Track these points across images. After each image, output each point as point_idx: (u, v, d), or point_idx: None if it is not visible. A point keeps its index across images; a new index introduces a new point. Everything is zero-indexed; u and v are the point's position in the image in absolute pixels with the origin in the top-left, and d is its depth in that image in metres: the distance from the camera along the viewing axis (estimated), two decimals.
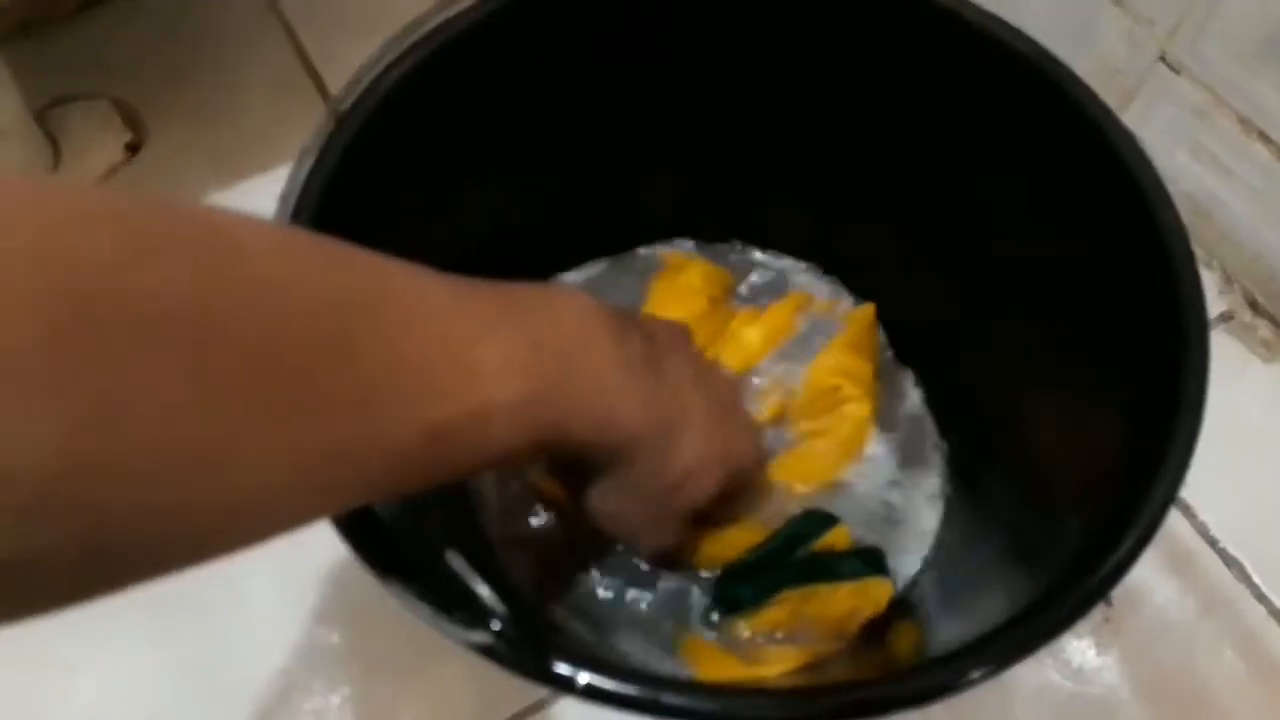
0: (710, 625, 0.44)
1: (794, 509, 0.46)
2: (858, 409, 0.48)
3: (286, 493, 0.21)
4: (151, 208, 0.19)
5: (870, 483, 0.47)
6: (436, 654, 0.45)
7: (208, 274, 0.19)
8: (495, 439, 0.26)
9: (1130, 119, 0.56)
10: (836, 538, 0.44)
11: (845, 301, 0.52)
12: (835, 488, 0.47)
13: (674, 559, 0.44)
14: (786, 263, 0.53)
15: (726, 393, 0.40)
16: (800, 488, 0.47)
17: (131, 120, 0.62)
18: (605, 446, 0.31)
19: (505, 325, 0.26)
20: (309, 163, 0.35)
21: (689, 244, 0.54)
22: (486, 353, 0.25)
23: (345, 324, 0.22)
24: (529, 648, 0.26)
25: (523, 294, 0.28)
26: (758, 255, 0.53)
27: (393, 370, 0.22)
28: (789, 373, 0.49)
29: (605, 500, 0.34)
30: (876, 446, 0.48)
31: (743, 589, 0.44)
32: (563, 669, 0.25)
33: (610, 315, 0.31)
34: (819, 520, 0.45)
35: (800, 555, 0.44)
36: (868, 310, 0.51)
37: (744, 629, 0.43)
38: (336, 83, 0.63)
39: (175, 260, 0.18)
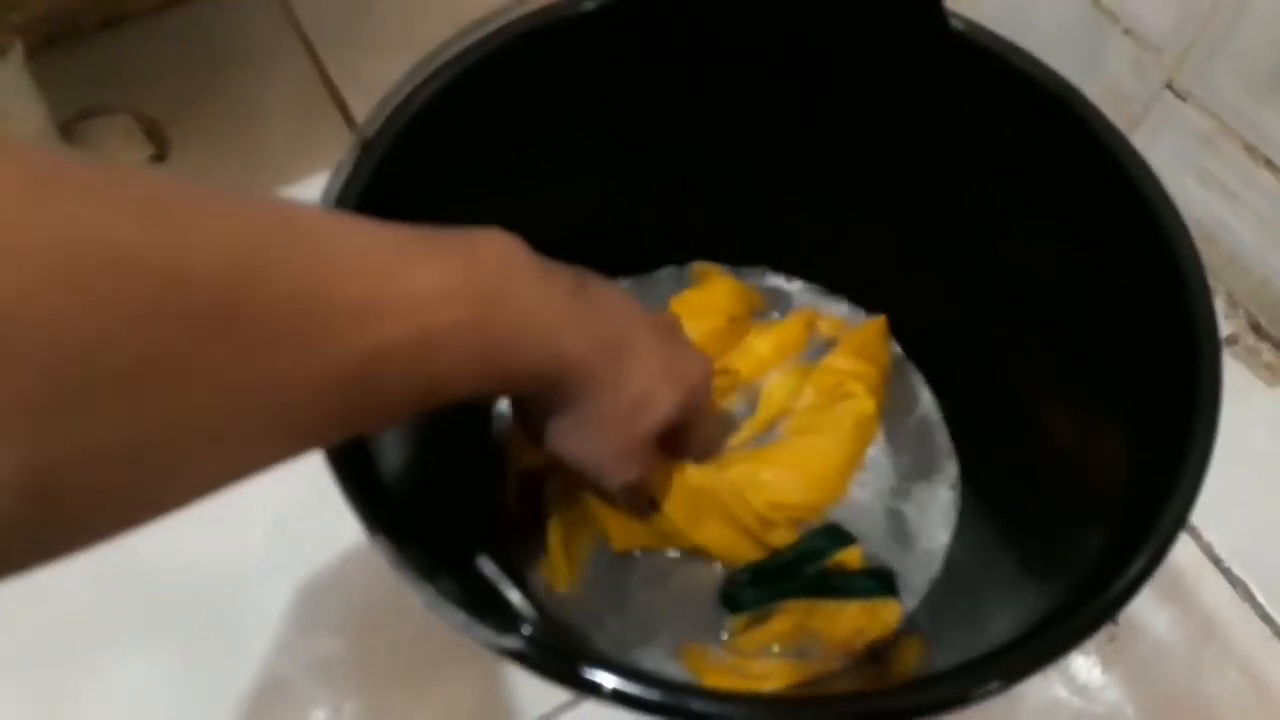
0: (713, 636, 0.44)
1: (796, 500, 0.46)
2: (860, 405, 0.48)
3: (226, 422, 0.21)
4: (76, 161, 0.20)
5: (873, 490, 0.48)
6: (447, 664, 0.46)
7: (123, 212, 0.19)
8: (438, 368, 0.26)
9: (1137, 144, 0.56)
10: (849, 556, 0.45)
11: (858, 318, 0.53)
12: (839, 496, 0.47)
13: (645, 494, 0.43)
14: (797, 285, 0.54)
15: (667, 319, 0.40)
16: (797, 481, 0.46)
17: (154, 134, 0.63)
18: (551, 375, 0.31)
19: (436, 255, 0.27)
20: (337, 186, 0.35)
21: (710, 266, 0.54)
22: (420, 278, 0.25)
23: (270, 250, 0.22)
24: (559, 653, 0.26)
25: (445, 233, 0.29)
26: (771, 279, 0.54)
27: (325, 292, 0.23)
28: (797, 373, 0.50)
29: (565, 437, 0.34)
30: (883, 455, 0.49)
31: (745, 591, 0.44)
32: (591, 674, 0.26)
33: (532, 252, 0.31)
34: (835, 537, 0.45)
35: (810, 569, 0.44)
36: (879, 321, 0.52)
37: (748, 640, 0.44)
38: (356, 100, 0.64)
39: (86, 199, 0.19)
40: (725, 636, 0.44)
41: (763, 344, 0.51)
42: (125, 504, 0.21)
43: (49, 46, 0.66)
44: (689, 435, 0.40)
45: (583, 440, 0.34)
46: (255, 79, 0.66)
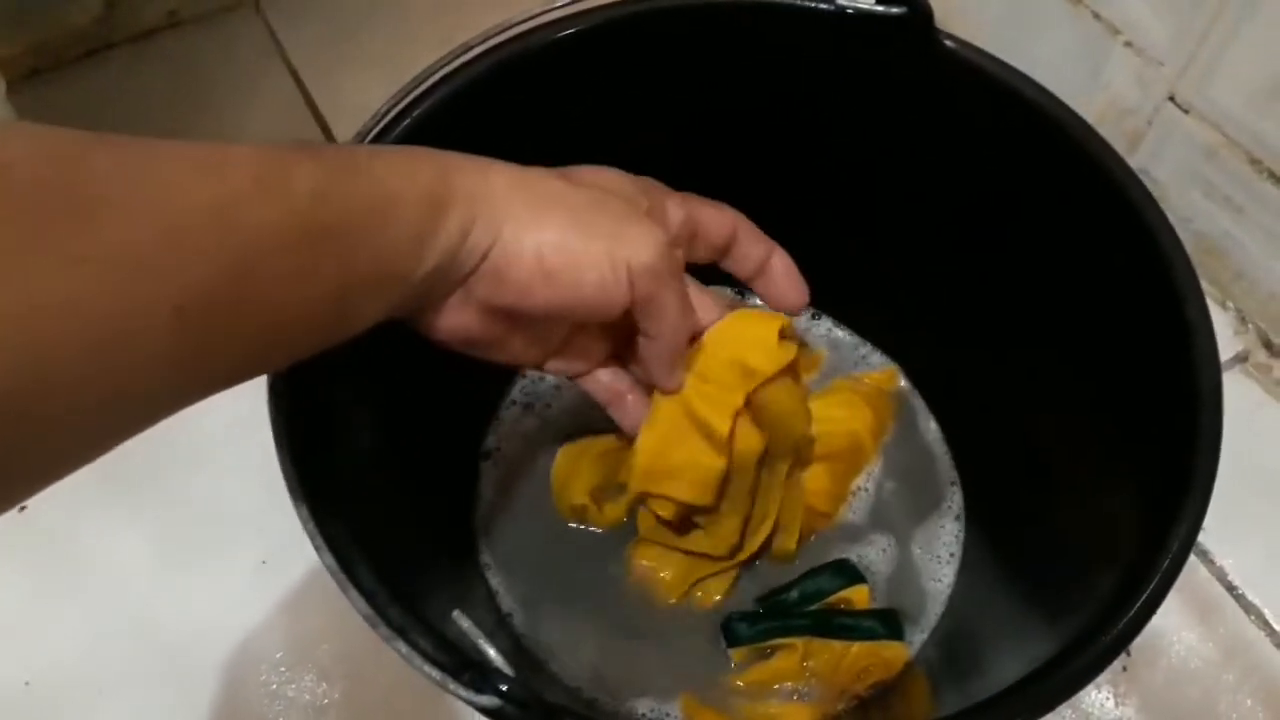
0: (714, 672, 0.43)
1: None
2: (852, 425, 0.48)
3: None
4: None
5: (878, 525, 0.47)
6: (437, 707, 0.45)
7: None
8: (281, 212, 0.25)
9: (1141, 158, 0.56)
10: (857, 595, 0.44)
11: (869, 357, 0.52)
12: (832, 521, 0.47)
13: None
14: (805, 314, 0.53)
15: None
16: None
17: None
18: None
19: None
20: None
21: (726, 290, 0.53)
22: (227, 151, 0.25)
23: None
24: (537, 709, 0.25)
25: None
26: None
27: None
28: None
29: (449, 318, 0.31)
30: (887, 487, 0.48)
31: (748, 625, 0.43)
32: None
33: None
34: (844, 574, 0.44)
35: (815, 607, 0.43)
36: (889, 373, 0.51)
37: (749, 677, 0.43)
38: (342, 126, 0.64)
39: None
40: (725, 672, 0.43)
41: None
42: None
43: (32, 79, 0.66)
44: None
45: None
46: (239, 105, 0.66)
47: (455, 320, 0.31)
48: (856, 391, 0.49)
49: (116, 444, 0.23)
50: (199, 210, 0.23)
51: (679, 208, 0.36)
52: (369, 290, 0.28)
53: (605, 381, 0.38)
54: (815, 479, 0.45)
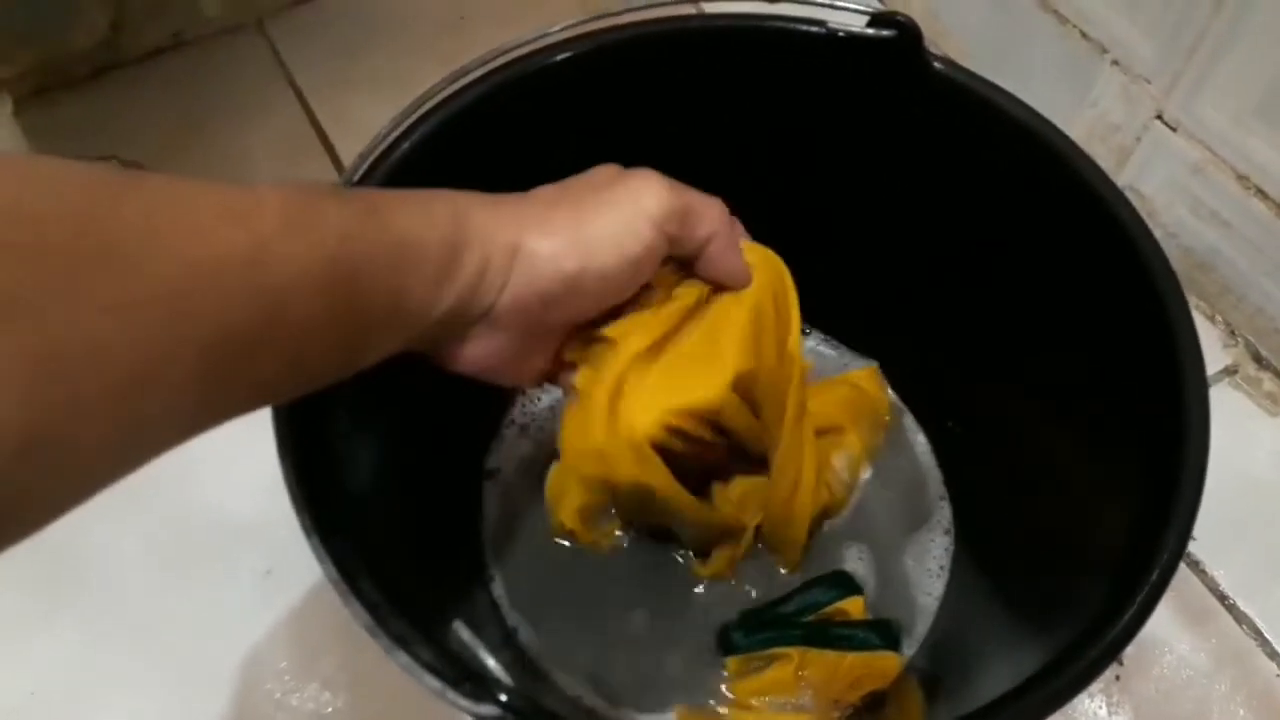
0: (709, 682, 0.43)
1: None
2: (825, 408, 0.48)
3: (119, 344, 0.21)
4: None
5: (869, 538, 0.47)
6: (442, 713, 0.45)
7: None
8: (309, 256, 0.25)
9: (1128, 175, 0.57)
10: (852, 605, 0.44)
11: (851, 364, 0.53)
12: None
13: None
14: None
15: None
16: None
17: None
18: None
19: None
20: None
21: None
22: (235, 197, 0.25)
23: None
24: (538, 719, 0.26)
25: None
26: None
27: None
28: None
29: (471, 349, 0.32)
30: (878, 500, 0.48)
31: (742, 634, 0.44)
32: None
33: None
34: (841, 585, 0.45)
35: (810, 617, 0.44)
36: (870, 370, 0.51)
37: (743, 687, 0.43)
38: (345, 145, 0.65)
39: None
40: (720, 681, 0.43)
41: None
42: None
43: (38, 97, 0.67)
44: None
45: (488, 346, 0.32)
46: (244, 124, 0.66)
47: (479, 350, 0.32)
48: (835, 384, 0.50)
49: (134, 470, 0.23)
50: (230, 257, 0.24)
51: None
52: (388, 328, 0.29)
53: None
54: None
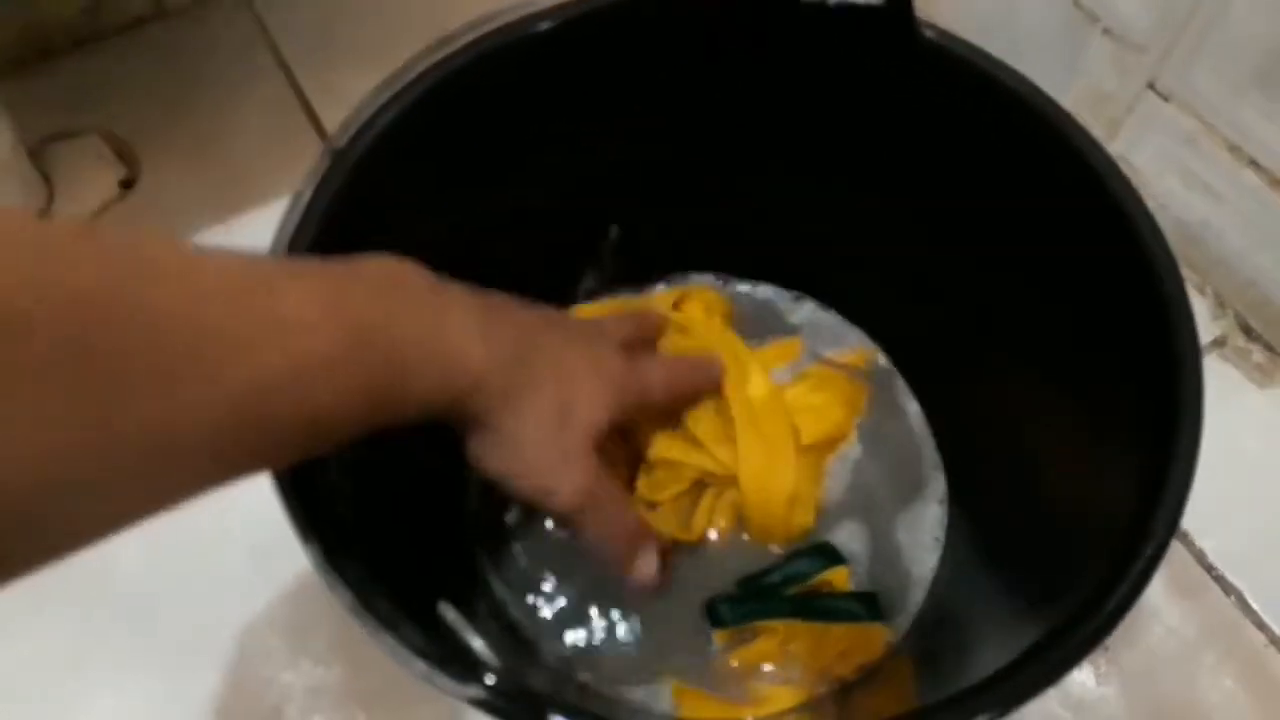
0: (697, 654, 0.43)
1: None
2: (817, 398, 0.48)
3: (97, 470, 0.21)
4: None
5: (861, 510, 0.47)
6: (434, 691, 0.45)
7: None
8: (323, 398, 0.25)
9: (1120, 145, 0.57)
10: (836, 576, 0.44)
11: (849, 334, 0.52)
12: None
13: (595, 515, 0.38)
14: (786, 297, 0.53)
15: (584, 323, 0.40)
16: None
17: (125, 156, 0.63)
18: (449, 398, 0.30)
19: (304, 281, 0.25)
20: (304, 199, 0.35)
21: (709, 278, 0.54)
22: (290, 304, 0.24)
23: (122, 284, 0.21)
24: (523, 701, 0.26)
25: (322, 261, 0.28)
26: (762, 290, 0.54)
27: (190, 335, 0.22)
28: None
29: (490, 459, 0.33)
30: (869, 470, 0.48)
31: (730, 607, 0.44)
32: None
33: (425, 273, 0.30)
34: (825, 556, 0.45)
35: (797, 589, 0.44)
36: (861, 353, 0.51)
37: (732, 659, 0.43)
38: (331, 116, 0.64)
39: None
40: (710, 654, 0.43)
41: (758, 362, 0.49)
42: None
43: (18, 69, 0.66)
44: (647, 427, 0.40)
45: (509, 460, 0.33)
46: (228, 96, 0.66)
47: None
48: (829, 375, 0.49)
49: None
50: (271, 388, 0.24)
51: (661, 375, 0.41)
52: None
53: None
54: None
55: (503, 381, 0.31)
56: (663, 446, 0.44)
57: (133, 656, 0.46)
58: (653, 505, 0.45)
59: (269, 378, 0.23)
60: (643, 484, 0.45)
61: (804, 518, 0.45)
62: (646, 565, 0.39)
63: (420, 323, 0.29)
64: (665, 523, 0.44)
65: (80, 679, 0.46)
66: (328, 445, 0.27)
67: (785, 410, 0.45)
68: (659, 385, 0.40)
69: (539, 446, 0.33)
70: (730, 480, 0.44)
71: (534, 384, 0.32)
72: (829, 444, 0.48)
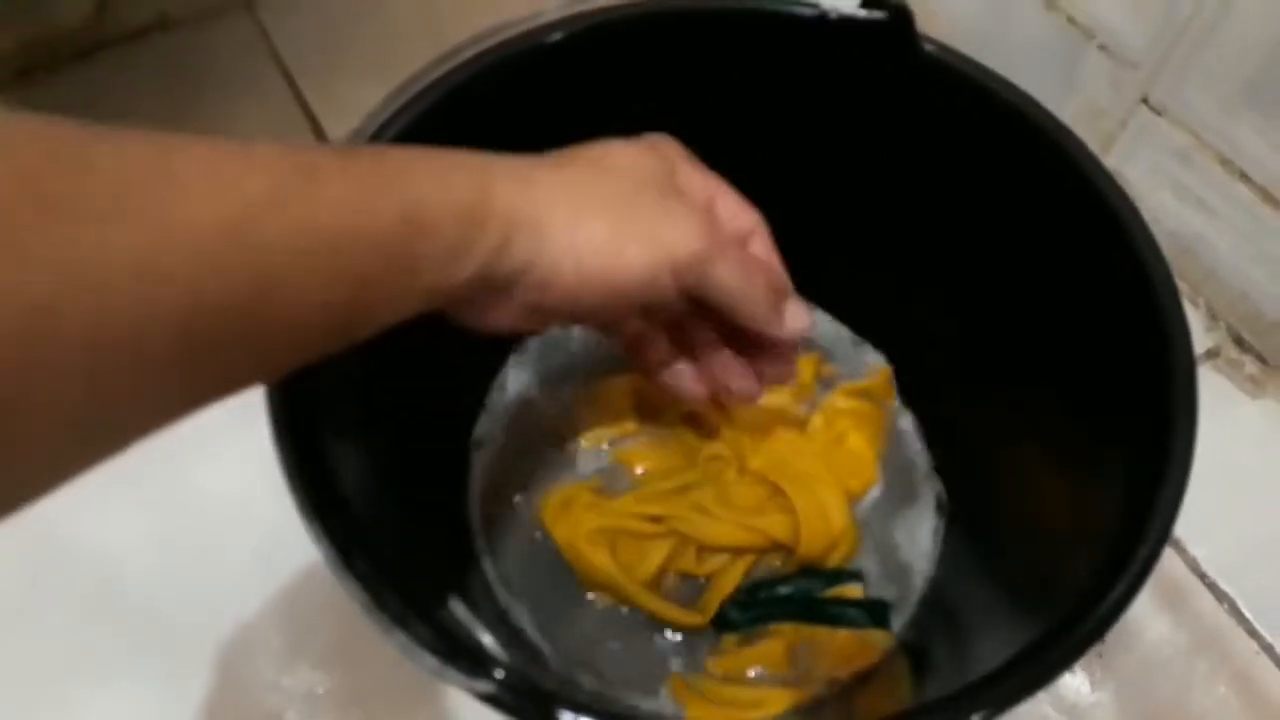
0: (702, 660, 0.44)
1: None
2: (857, 441, 0.49)
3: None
4: None
5: (861, 513, 0.48)
6: (436, 689, 0.46)
7: None
8: (300, 224, 0.23)
9: (1114, 159, 0.58)
10: (848, 590, 0.45)
11: (856, 350, 0.53)
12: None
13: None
14: None
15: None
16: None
17: None
18: (501, 210, 0.28)
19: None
20: None
21: None
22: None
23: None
24: (533, 696, 0.26)
25: None
26: None
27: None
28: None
29: (572, 247, 0.29)
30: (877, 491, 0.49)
31: (737, 611, 0.44)
32: (566, 717, 0.25)
33: None
34: (839, 574, 0.45)
35: (804, 597, 0.44)
36: (884, 372, 0.52)
37: (736, 660, 0.44)
38: (335, 127, 0.64)
39: None
40: (716, 655, 0.44)
41: (777, 392, 0.49)
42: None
43: (23, 78, 0.66)
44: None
45: (600, 235, 0.30)
46: (232, 107, 0.66)
47: (499, 318, 0.31)
48: (864, 413, 0.50)
49: (108, 456, 0.22)
50: (211, 223, 0.21)
51: (702, 188, 0.35)
52: (396, 301, 0.27)
53: (655, 354, 0.38)
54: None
55: (553, 177, 0.30)
56: (714, 532, 0.44)
57: (133, 659, 0.47)
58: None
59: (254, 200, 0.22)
60: (689, 562, 0.45)
61: (844, 556, 0.46)
62: (797, 312, 0.36)
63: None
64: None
65: (81, 682, 0.46)
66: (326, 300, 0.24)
67: (825, 461, 0.46)
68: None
69: (636, 207, 0.31)
70: (781, 546, 0.45)
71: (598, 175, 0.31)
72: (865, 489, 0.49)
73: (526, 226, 0.29)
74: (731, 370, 0.38)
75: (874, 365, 0.52)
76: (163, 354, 0.21)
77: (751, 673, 0.43)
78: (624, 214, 0.31)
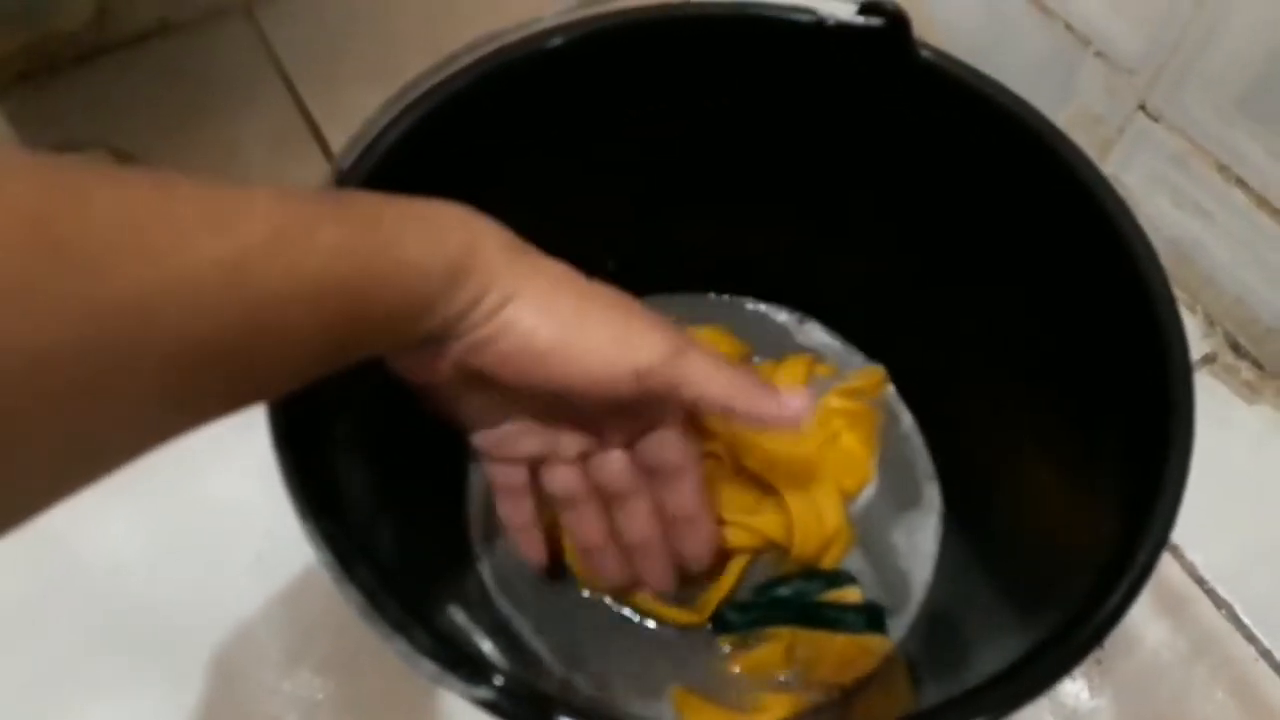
0: (702, 659, 0.44)
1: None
2: (851, 440, 0.49)
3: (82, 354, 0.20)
4: None
5: (860, 517, 0.48)
6: (436, 696, 0.46)
7: None
8: (297, 270, 0.24)
9: (1111, 166, 0.58)
10: (846, 593, 0.45)
11: (853, 359, 0.53)
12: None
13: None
14: (783, 314, 0.54)
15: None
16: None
17: None
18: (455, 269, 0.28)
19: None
20: None
21: (712, 296, 0.55)
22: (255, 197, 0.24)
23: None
24: (533, 702, 0.26)
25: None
26: (761, 307, 0.54)
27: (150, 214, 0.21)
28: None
29: (540, 325, 0.30)
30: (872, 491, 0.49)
31: (736, 613, 0.44)
32: None
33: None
34: (837, 576, 0.45)
35: (803, 600, 0.44)
36: (877, 370, 0.52)
37: (735, 664, 0.44)
38: (335, 132, 0.64)
39: None
40: (713, 660, 0.44)
41: None
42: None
43: (24, 82, 0.66)
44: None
45: (567, 324, 0.30)
46: (232, 112, 0.66)
47: (423, 363, 0.31)
48: (858, 412, 0.50)
49: (93, 480, 0.22)
50: (209, 267, 0.22)
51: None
52: (377, 341, 0.28)
53: (563, 479, 0.37)
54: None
55: (527, 267, 0.30)
56: None
57: (134, 667, 0.47)
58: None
59: (245, 247, 0.23)
60: None
61: (839, 556, 0.46)
62: (793, 395, 0.34)
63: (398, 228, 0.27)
64: None
65: (82, 689, 0.46)
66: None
67: (819, 461, 0.47)
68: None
69: (612, 309, 0.31)
70: (776, 546, 0.45)
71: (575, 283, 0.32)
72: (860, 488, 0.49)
73: (499, 288, 0.29)
74: (651, 557, 0.39)
75: (867, 365, 0.52)
76: (150, 387, 0.22)
77: (750, 677, 0.43)
78: (597, 309, 0.31)
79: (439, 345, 0.30)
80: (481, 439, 0.36)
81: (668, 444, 0.36)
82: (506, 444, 0.36)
